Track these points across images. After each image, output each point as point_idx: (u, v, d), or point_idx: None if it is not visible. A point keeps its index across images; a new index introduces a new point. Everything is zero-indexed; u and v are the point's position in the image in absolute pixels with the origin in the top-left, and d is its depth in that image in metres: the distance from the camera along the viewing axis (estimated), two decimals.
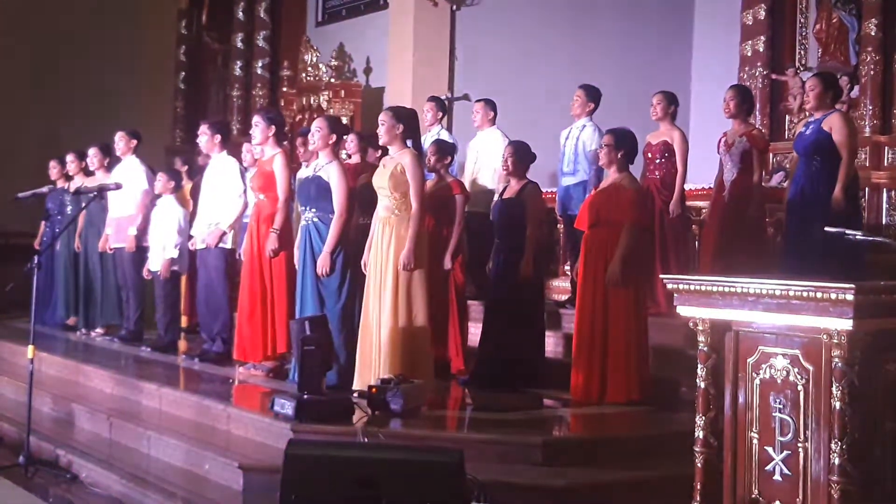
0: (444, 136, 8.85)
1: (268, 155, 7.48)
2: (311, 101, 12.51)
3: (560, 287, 8.92)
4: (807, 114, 6.96)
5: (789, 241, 6.95)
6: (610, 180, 6.70)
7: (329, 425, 5.66)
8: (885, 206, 8.48)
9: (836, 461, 3.59)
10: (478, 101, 9.03)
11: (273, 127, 7.45)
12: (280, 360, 7.42)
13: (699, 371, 4.06)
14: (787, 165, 8.34)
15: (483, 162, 8.68)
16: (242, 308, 7.45)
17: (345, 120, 11.73)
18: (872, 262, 6.84)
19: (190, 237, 8.29)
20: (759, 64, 9.48)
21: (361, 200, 7.28)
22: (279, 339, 7.34)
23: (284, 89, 13.50)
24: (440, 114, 9.22)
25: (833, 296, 3.52)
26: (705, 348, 4.05)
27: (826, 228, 4.87)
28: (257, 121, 7.50)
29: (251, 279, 7.40)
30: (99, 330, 9.78)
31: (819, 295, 3.56)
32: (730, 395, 4.00)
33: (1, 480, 6.15)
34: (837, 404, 3.59)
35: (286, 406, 5.79)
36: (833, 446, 3.60)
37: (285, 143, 7.91)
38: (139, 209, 9.14)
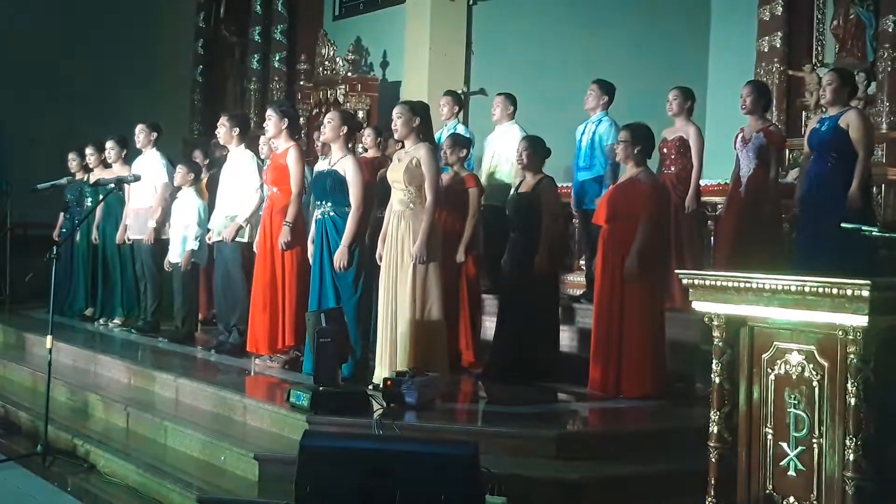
0: (461, 130, 8.87)
1: (281, 148, 7.51)
2: (328, 95, 12.52)
3: (575, 282, 8.93)
4: (822, 109, 6.94)
5: (802, 236, 6.94)
6: (627, 175, 6.71)
7: (344, 417, 5.69)
8: None
9: (851, 457, 3.60)
10: (498, 94, 9.01)
11: (286, 120, 7.47)
12: (295, 351, 7.46)
13: (714, 366, 4.07)
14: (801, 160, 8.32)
15: (501, 156, 8.69)
16: (255, 300, 7.49)
17: (361, 114, 11.75)
18: (887, 258, 6.83)
19: (207, 230, 8.33)
20: (775, 60, 9.44)
21: (378, 194, 7.30)
22: (288, 332, 7.37)
23: (301, 83, 13.51)
24: (456, 108, 9.22)
25: (849, 292, 3.53)
26: (720, 344, 4.05)
27: (842, 225, 4.87)
28: (270, 114, 7.53)
29: (263, 271, 7.43)
30: (116, 321, 9.84)
31: (835, 291, 3.57)
32: (744, 391, 4.01)
33: (19, 470, 6.22)
34: (852, 400, 3.59)
35: (302, 398, 5.84)
36: (848, 442, 3.61)
37: (300, 136, 7.92)
38: (158, 202, 9.19)
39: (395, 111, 6.52)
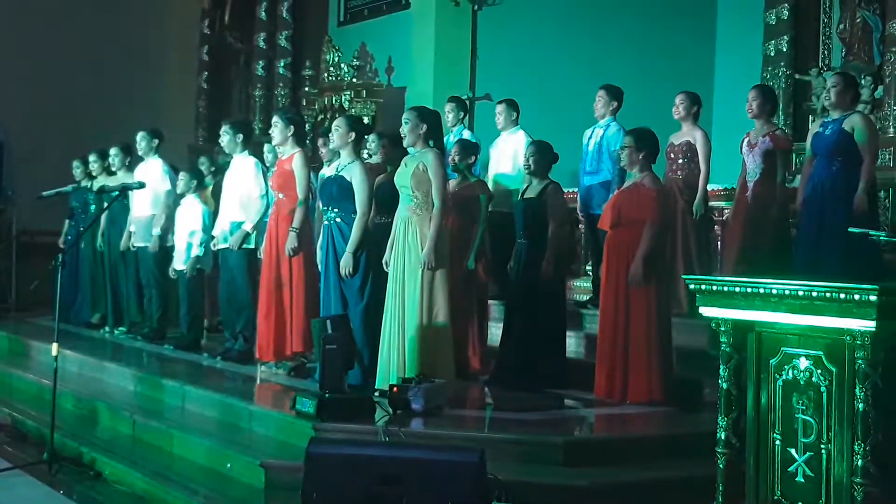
0: (466, 135, 8.85)
1: (287, 154, 7.51)
2: (333, 101, 12.53)
3: (582, 287, 8.91)
4: (820, 111, 6.91)
5: (805, 239, 6.91)
6: (632, 180, 6.70)
7: (351, 424, 5.68)
8: None
9: (860, 463, 3.59)
10: (499, 102, 9.00)
11: (291, 127, 7.46)
12: (302, 358, 7.45)
13: (721, 372, 4.06)
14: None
15: (507, 161, 8.67)
16: (261, 307, 7.48)
17: (366, 120, 11.75)
18: (891, 262, 6.82)
19: (212, 236, 8.33)
20: (782, 64, 9.44)
21: (378, 199, 7.28)
22: (296, 338, 7.35)
23: (306, 89, 13.53)
24: (462, 114, 9.21)
25: (856, 297, 3.52)
26: (728, 349, 4.04)
27: (850, 229, 4.85)
28: (276, 121, 7.53)
29: (269, 278, 7.42)
30: (122, 328, 9.84)
31: (842, 296, 3.56)
32: (752, 396, 4.00)
33: (25, 477, 6.19)
34: (861, 406, 3.58)
35: (308, 405, 5.82)
36: (856, 448, 3.60)
37: (306, 143, 7.91)
38: (162, 209, 9.18)
39: (404, 117, 6.54)
